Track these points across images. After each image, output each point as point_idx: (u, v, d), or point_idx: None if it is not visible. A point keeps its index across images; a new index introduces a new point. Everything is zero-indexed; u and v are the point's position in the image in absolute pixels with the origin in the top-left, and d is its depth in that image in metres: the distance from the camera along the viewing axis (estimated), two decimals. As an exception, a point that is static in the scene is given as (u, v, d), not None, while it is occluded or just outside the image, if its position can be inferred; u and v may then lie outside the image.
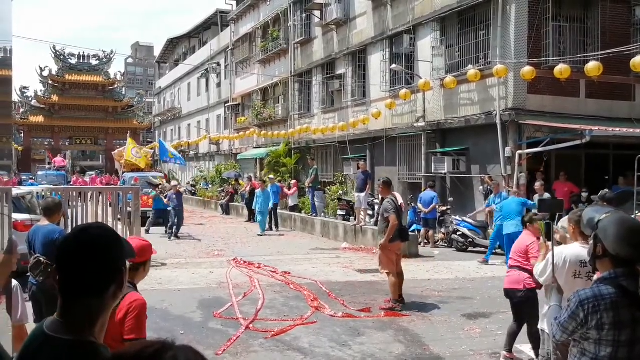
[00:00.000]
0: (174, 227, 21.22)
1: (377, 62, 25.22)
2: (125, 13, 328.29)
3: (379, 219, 11.14)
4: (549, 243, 5.01)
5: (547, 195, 15.58)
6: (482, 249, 17.21)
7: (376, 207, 18.80)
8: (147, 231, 21.76)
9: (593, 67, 15.49)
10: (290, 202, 25.90)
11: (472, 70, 18.38)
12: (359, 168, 20.65)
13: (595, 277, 3.90)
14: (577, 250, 4.84)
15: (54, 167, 43.50)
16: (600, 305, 3.12)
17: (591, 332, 3.17)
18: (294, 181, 27.28)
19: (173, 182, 25.08)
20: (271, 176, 27.29)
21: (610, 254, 3.18)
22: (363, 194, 19.32)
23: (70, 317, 1.97)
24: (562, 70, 16.06)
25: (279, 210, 24.58)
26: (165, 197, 22.23)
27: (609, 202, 7.81)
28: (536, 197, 15.88)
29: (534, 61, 17.74)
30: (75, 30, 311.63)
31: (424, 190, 19.18)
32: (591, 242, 3.34)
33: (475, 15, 19.98)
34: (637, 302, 3.11)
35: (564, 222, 5.64)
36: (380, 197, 11.77)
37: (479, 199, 19.70)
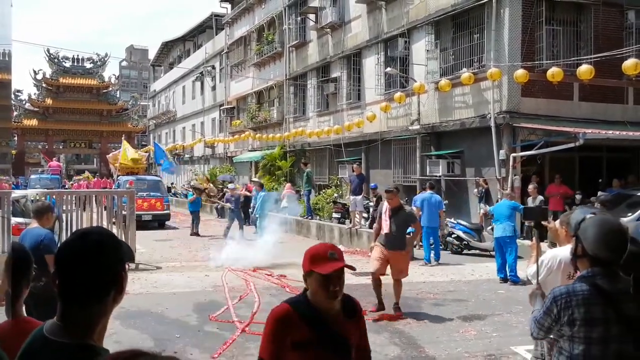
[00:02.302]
0: (228, 229, 21.60)
1: (372, 65, 25.28)
2: (120, 16, 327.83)
3: (397, 228, 10.27)
4: (543, 244, 5.07)
5: (540, 198, 15.64)
6: (477, 252, 17.28)
7: (371, 210, 18.81)
8: (197, 234, 23.16)
9: (585, 70, 15.57)
10: (285, 203, 25.85)
11: (466, 74, 18.46)
12: (353, 171, 20.66)
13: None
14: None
15: (49, 170, 43.15)
16: (572, 301, 3.18)
17: (564, 329, 3.24)
18: (288, 184, 27.33)
19: (231, 186, 25.15)
20: (255, 179, 27.34)
21: (589, 254, 3.24)
22: (358, 197, 19.35)
23: (70, 321, 1.97)
24: (554, 73, 16.13)
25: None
26: (226, 201, 22.85)
27: (604, 205, 7.86)
28: (529, 199, 15.95)
29: (528, 64, 17.82)
30: (69, 33, 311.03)
31: (419, 193, 19.21)
32: (573, 241, 3.42)
33: (469, 18, 20.06)
34: (610, 301, 3.15)
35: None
36: (386, 205, 10.55)
37: (473, 202, 19.76)
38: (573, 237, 3.44)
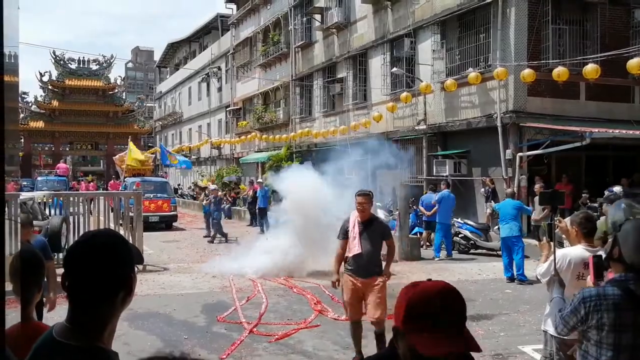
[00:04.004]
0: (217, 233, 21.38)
1: (378, 66, 25.28)
2: (126, 18, 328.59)
3: (370, 247, 7.50)
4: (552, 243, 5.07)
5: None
6: (484, 251, 17.26)
7: (380, 213, 18.54)
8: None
9: (591, 69, 15.54)
10: None
11: (472, 73, 18.44)
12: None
13: (589, 279, 3.91)
14: (581, 252, 4.87)
15: (56, 173, 43.09)
16: (602, 304, 3.10)
17: (591, 332, 3.16)
18: None
19: (212, 187, 25.00)
20: (260, 180, 27.46)
21: (625, 261, 3.15)
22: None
23: (79, 323, 1.97)
24: (560, 72, 16.11)
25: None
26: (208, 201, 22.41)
27: (612, 204, 7.83)
28: (536, 199, 15.92)
29: (534, 64, 17.79)
30: (75, 35, 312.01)
31: (426, 193, 19.20)
32: (610, 239, 3.31)
33: (475, 18, 20.03)
34: None
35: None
36: (355, 216, 7.70)
37: (480, 201, 19.73)
38: (611, 238, 3.32)
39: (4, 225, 1.60)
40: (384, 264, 7.69)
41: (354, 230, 7.56)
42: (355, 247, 7.47)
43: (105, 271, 1.98)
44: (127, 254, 2.06)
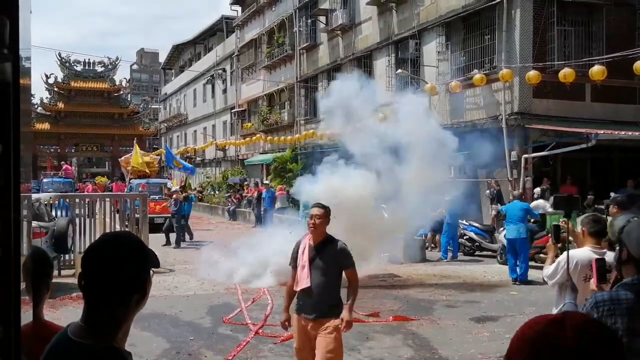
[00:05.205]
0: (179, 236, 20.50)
1: (383, 67, 25.29)
2: (130, 19, 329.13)
3: (323, 277, 5.78)
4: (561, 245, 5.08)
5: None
6: (490, 253, 17.24)
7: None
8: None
9: (597, 71, 15.54)
10: (279, 204, 25.86)
11: (477, 75, 18.45)
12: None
13: (592, 281, 3.91)
14: (588, 253, 4.87)
15: (62, 174, 43.12)
16: (616, 309, 3.06)
17: None
18: (280, 185, 27.71)
19: (173, 188, 24.88)
20: (266, 182, 27.69)
21: (634, 258, 3.10)
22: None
23: (94, 322, 1.98)
24: (566, 74, 16.10)
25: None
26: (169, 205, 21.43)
27: (620, 205, 7.78)
28: (534, 203, 15.91)
29: (539, 65, 17.78)
30: (80, 36, 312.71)
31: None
32: (617, 247, 3.29)
33: (480, 19, 20.04)
34: None
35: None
36: (306, 240, 5.89)
37: (485, 203, 19.70)
38: (616, 243, 3.30)
39: (20, 225, 1.62)
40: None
41: (303, 257, 5.81)
42: (304, 280, 5.76)
43: (120, 272, 2.00)
44: (143, 257, 2.08)
